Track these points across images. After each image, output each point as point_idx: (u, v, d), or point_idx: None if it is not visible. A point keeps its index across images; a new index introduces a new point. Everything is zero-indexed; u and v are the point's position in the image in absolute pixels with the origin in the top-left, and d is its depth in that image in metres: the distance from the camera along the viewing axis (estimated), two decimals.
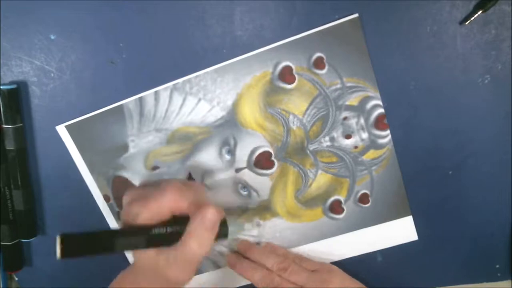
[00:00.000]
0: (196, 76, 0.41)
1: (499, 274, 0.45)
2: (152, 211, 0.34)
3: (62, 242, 0.29)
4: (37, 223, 0.46)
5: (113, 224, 0.46)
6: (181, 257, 0.34)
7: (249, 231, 0.45)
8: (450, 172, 0.42)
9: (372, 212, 0.43)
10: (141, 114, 0.42)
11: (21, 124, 0.43)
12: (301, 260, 0.44)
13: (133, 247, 0.34)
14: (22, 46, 0.41)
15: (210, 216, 0.34)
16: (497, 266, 0.45)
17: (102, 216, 0.46)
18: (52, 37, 0.41)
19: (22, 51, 0.41)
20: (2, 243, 0.45)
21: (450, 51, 0.39)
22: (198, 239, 0.34)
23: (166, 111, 0.42)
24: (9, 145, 0.43)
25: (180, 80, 0.41)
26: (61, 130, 0.43)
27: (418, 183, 0.43)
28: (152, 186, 0.37)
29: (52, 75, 0.42)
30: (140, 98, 0.41)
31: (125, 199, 0.37)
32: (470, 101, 0.40)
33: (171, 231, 0.35)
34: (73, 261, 0.48)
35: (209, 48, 0.40)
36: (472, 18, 0.37)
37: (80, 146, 0.43)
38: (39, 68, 0.42)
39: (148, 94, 0.41)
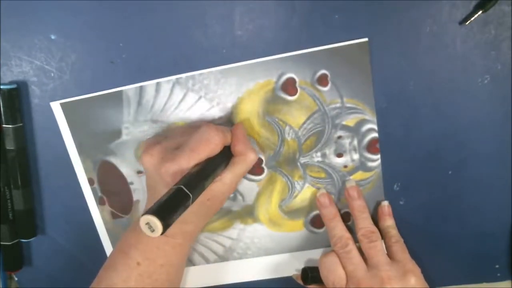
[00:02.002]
0: (200, 74, 0.41)
1: (499, 274, 0.45)
2: (202, 157, 0.35)
3: (160, 219, 0.28)
4: (37, 223, 0.46)
5: (93, 207, 0.46)
6: (242, 170, 0.38)
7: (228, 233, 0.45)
8: (450, 172, 0.42)
9: (352, 230, 0.43)
10: (140, 103, 0.42)
11: (21, 124, 0.43)
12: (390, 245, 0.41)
13: (201, 192, 0.34)
14: (22, 46, 0.41)
15: (244, 131, 0.39)
16: (497, 266, 0.45)
17: (84, 199, 0.45)
18: (52, 37, 0.41)
19: (22, 51, 0.41)
20: (2, 243, 0.45)
21: (450, 51, 0.39)
22: (233, 176, 0.38)
23: (165, 103, 0.42)
24: (9, 145, 0.43)
25: (183, 75, 0.41)
26: (55, 107, 0.43)
27: (418, 183, 0.43)
28: (178, 136, 0.38)
29: (52, 75, 0.42)
30: (141, 87, 0.41)
31: (152, 158, 0.37)
32: (469, 101, 0.40)
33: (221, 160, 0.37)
34: (72, 262, 0.48)
35: (209, 48, 0.40)
36: (472, 18, 0.38)
37: (73, 125, 0.43)
38: (39, 68, 0.42)
39: (150, 84, 0.41)
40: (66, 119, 0.43)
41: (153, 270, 0.39)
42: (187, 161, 0.34)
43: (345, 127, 0.41)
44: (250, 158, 0.38)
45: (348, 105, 0.41)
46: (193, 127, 0.38)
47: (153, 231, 0.28)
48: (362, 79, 0.40)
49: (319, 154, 0.42)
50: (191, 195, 0.31)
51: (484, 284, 0.46)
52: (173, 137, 0.39)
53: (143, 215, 0.28)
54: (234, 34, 0.40)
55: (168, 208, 0.29)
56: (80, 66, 0.41)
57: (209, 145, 0.35)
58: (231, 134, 0.39)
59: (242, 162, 0.38)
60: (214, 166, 0.36)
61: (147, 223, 0.28)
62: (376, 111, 0.41)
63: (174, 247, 0.39)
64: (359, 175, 0.43)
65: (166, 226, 0.28)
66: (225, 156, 0.38)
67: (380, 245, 0.40)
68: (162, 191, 0.35)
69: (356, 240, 0.41)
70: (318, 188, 0.43)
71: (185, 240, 0.40)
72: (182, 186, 0.31)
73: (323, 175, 0.43)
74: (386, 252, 0.40)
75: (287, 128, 0.42)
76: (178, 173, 0.34)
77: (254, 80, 0.41)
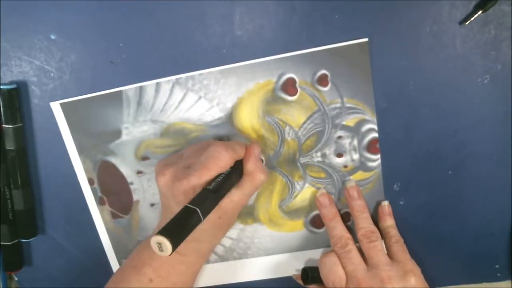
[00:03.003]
0: (200, 74, 0.41)
1: (499, 274, 0.45)
2: (213, 174, 0.36)
3: (169, 239, 0.29)
4: (37, 223, 0.46)
5: (93, 207, 0.46)
6: (250, 189, 0.38)
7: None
8: (450, 172, 0.42)
9: (352, 230, 0.43)
10: (139, 103, 0.42)
11: (21, 124, 0.43)
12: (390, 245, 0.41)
13: (213, 207, 0.35)
14: (22, 46, 0.41)
15: (257, 151, 0.39)
16: (497, 266, 0.45)
17: (84, 199, 0.45)
18: (52, 37, 0.41)
19: (22, 51, 0.41)
20: (2, 243, 0.45)
21: (449, 51, 0.39)
22: (241, 194, 0.38)
23: (165, 103, 0.42)
24: (9, 145, 0.43)
25: (183, 75, 0.41)
26: (55, 107, 0.43)
27: (418, 183, 0.43)
28: (189, 156, 0.38)
29: (52, 75, 0.42)
30: (141, 87, 0.41)
31: (165, 178, 0.37)
32: (469, 101, 0.40)
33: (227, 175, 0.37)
34: (72, 262, 0.48)
35: (209, 48, 0.40)
36: (472, 18, 0.38)
37: (72, 125, 0.43)
38: (39, 68, 0.42)
39: (149, 84, 0.41)
40: (66, 119, 0.43)
41: (165, 286, 0.39)
42: (198, 178, 0.35)
43: (345, 127, 0.41)
44: (259, 178, 0.38)
45: (348, 105, 0.41)
46: (205, 146, 0.38)
47: (162, 251, 0.29)
48: (362, 79, 0.40)
49: (319, 154, 0.42)
50: (201, 214, 0.32)
51: (484, 284, 0.46)
52: (186, 156, 0.39)
53: (154, 235, 0.29)
54: (234, 34, 0.40)
55: (177, 228, 0.30)
56: (80, 66, 0.41)
57: (218, 162, 0.36)
58: (246, 151, 0.39)
59: (250, 182, 0.38)
60: (226, 183, 0.36)
61: (159, 243, 0.29)
62: (376, 111, 0.41)
63: (188, 266, 0.40)
64: (359, 175, 0.43)
65: (175, 246, 0.29)
66: (238, 171, 0.38)
67: (380, 245, 0.40)
68: (175, 209, 0.36)
69: (356, 240, 0.41)
70: (318, 188, 0.43)
71: (198, 258, 0.41)
72: (191, 205, 0.32)
73: (323, 175, 0.43)
74: (386, 252, 0.40)
75: (287, 128, 0.42)
76: (190, 191, 0.35)
77: (254, 80, 0.41)
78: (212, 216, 0.36)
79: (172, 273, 0.39)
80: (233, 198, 0.38)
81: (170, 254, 0.29)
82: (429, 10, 0.38)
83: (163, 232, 0.29)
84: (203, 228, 0.37)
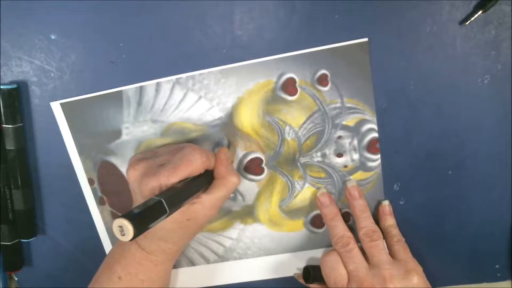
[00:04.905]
0: (200, 74, 0.41)
1: (499, 274, 0.45)
2: (182, 176, 0.36)
3: (133, 225, 0.28)
4: (37, 223, 0.46)
5: (93, 207, 0.46)
6: (222, 193, 0.38)
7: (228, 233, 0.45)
8: (450, 172, 0.42)
9: (353, 230, 0.43)
10: (140, 103, 0.42)
11: (21, 124, 0.43)
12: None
13: (179, 204, 0.34)
14: (22, 46, 0.41)
15: (227, 155, 0.40)
16: (497, 266, 0.45)
17: (84, 199, 0.46)
18: (52, 37, 0.41)
19: (22, 51, 0.41)
20: (2, 243, 0.45)
21: (450, 51, 0.39)
22: (213, 199, 0.38)
23: (165, 103, 0.42)
24: (9, 145, 0.43)
25: (183, 75, 0.41)
26: (56, 107, 0.43)
27: (418, 183, 0.43)
28: (164, 154, 0.38)
29: (52, 75, 0.42)
30: (141, 87, 0.42)
31: (135, 172, 0.37)
32: (470, 101, 0.40)
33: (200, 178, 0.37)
34: (72, 262, 0.48)
35: (209, 48, 0.40)
36: (472, 18, 0.38)
37: (73, 125, 0.43)
38: (39, 68, 0.42)
39: (150, 84, 0.41)
40: (66, 119, 0.43)
41: (134, 285, 0.39)
42: (167, 178, 0.35)
43: (345, 127, 0.41)
44: (231, 181, 0.39)
45: (348, 105, 0.41)
46: (181, 147, 0.38)
47: (123, 235, 0.28)
48: (362, 78, 0.40)
49: (319, 154, 0.42)
50: (167, 209, 0.32)
51: (484, 284, 0.46)
52: (160, 155, 0.39)
53: (118, 217, 0.28)
54: (234, 34, 0.40)
55: (143, 217, 0.30)
56: (80, 66, 0.41)
57: (190, 166, 0.36)
58: (216, 156, 0.39)
59: (223, 186, 0.38)
60: (194, 187, 0.36)
61: (120, 226, 0.28)
62: (376, 111, 0.41)
63: (156, 264, 0.40)
64: (359, 175, 0.43)
65: (137, 233, 0.29)
66: (208, 179, 0.38)
67: (382, 244, 0.40)
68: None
69: (357, 240, 0.41)
70: (318, 188, 0.43)
71: (165, 258, 0.41)
72: (163, 200, 0.31)
73: (323, 175, 0.43)
74: (388, 251, 0.40)
75: (287, 128, 0.42)
76: (156, 188, 0.35)
77: (254, 80, 0.41)
78: (180, 216, 0.36)
79: (140, 271, 0.39)
80: (205, 203, 0.38)
81: (131, 239, 0.28)
82: (429, 10, 0.38)
83: (126, 215, 0.28)
84: (170, 227, 0.37)
